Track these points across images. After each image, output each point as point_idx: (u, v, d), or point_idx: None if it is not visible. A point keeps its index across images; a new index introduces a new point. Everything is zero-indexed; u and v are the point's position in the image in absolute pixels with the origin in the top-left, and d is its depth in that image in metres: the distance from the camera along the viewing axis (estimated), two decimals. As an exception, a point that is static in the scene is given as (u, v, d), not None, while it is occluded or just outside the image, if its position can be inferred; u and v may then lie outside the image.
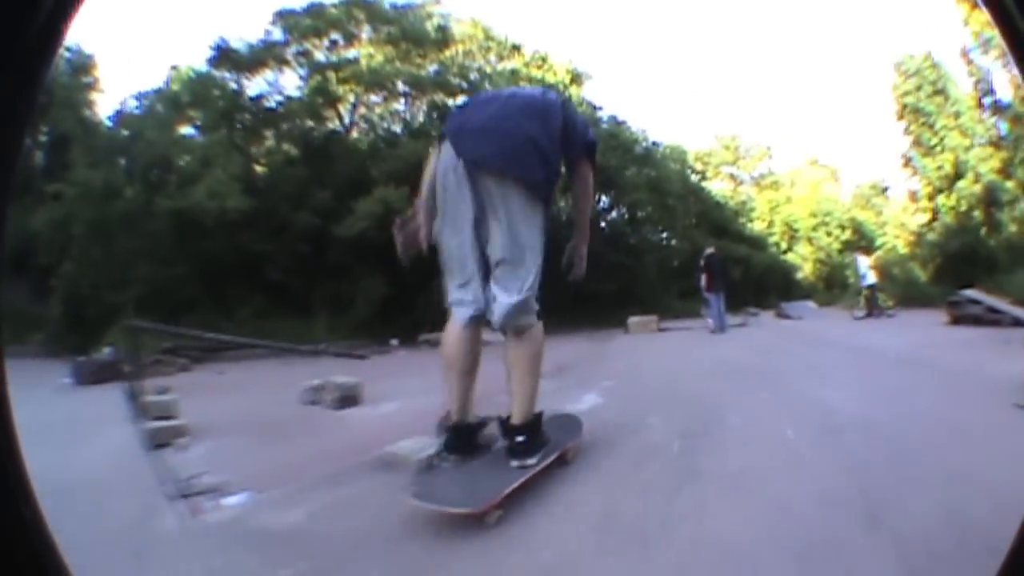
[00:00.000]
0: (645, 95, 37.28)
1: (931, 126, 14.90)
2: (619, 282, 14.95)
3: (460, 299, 2.29)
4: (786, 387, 4.44)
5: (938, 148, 14.89)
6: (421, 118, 13.91)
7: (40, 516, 0.62)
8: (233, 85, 15.29)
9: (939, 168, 14.89)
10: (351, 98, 14.99)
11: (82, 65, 15.41)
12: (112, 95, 15.60)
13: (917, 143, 15.40)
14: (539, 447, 2.23)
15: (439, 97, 14.77)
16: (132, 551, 1.84)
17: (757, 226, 25.48)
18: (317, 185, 13.30)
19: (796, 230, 25.61)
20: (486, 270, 2.25)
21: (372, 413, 4.78)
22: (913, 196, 20.21)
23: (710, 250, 11.00)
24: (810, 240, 25.28)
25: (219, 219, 13.15)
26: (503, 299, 2.23)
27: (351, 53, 15.05)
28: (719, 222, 22.23)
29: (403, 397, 5.11)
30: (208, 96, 15.01)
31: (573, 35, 36.06)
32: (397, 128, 13.86)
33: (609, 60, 37.62)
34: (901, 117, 16.01)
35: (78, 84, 15.01)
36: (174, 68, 15.65)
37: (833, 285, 25.28)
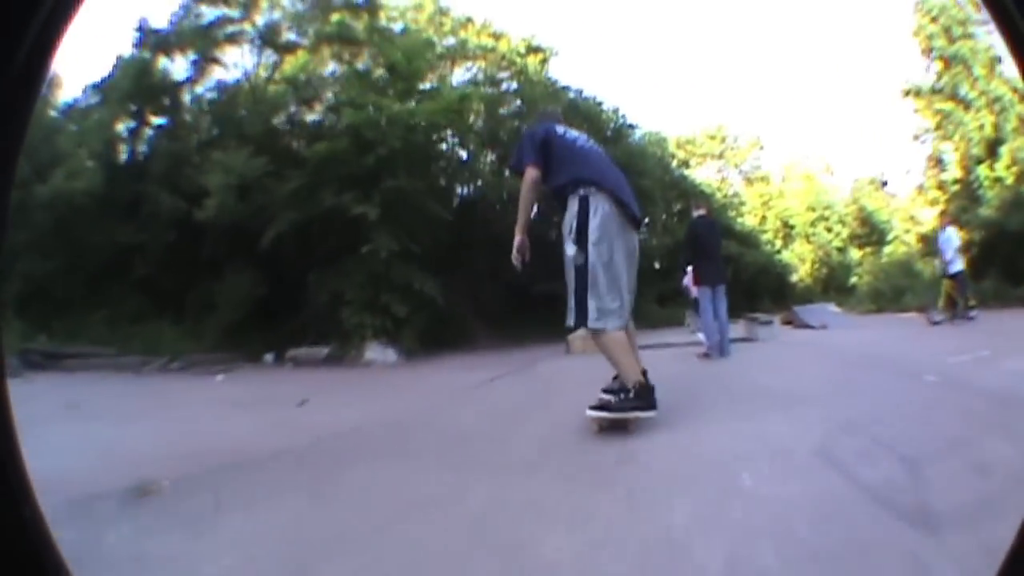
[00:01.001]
0: (621, 75, 33.82)
1: (968, 74, 11.04)
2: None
3: (618, 312, 2.58)
4: None
5: (976, 103, 11.02)
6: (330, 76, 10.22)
7: (40, 516, 0.57)
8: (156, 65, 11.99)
9: (980, 127, 10.98)
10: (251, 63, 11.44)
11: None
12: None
13: (952, 97, 11.48)
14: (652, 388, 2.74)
15: (359, 62, 11.11)
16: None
17: (748, 222, 21.51)
18: (190, 164, 9.76)
19: (792, 226, 21.63)
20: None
21: None
22: (920, 188, 16.91)
23: (699, 212, 6.37)
24: (808, 237, 21.26)
25: (69, 203, 9.79)
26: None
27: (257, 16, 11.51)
28: (705, 216, 18.16)
29: None
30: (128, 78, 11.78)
31: (560, 13, 32.53)
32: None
33: (588, 40, 34.00)
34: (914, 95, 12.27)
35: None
36: (119, 57, 12.56)
37: (830, 287, 21.34)
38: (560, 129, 2.78)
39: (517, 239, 2.67)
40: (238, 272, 8.66)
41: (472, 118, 9.86)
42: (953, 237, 7.84)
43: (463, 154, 8.98)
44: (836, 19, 35.39)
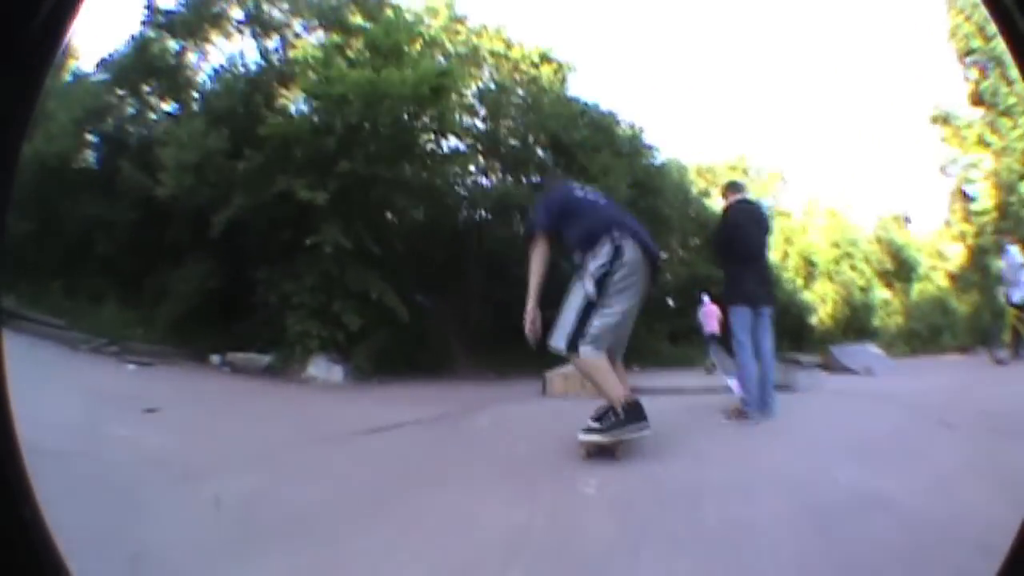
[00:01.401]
0: (643, 101, 32.50)
1: (1004, 78, 9.88)
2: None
3: (604, 339, 2.47)
4: None
5: (1015, 109, 9.92)
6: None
7: (40, 516, 0.56)
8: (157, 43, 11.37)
9: (1022, 136, 9.81)
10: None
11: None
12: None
13: (992, 105, 10.26)
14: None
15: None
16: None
17: (769, 257, 19.74)
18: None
19: (814, 264, 19.96)
20: None
21: None
22: (947, 223, 16.13)
23: (736, 197, 3.97)
24: (831, 276, 19.54)
25: (43, 165, 9.16)
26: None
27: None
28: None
29: None
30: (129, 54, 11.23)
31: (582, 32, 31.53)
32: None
33: (610, 66, 32.85)
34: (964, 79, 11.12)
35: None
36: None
37: (851, 329, 19.50)
38: (577, 189, 2.83)
39: (529, 309, 2.59)
40: (198, 261, 7.63)
41: (459, 115, 8.72)
42: (1018, 257, 6.37)
43: (448, 148, 7.83)
44: (858, 51, 33.83)
